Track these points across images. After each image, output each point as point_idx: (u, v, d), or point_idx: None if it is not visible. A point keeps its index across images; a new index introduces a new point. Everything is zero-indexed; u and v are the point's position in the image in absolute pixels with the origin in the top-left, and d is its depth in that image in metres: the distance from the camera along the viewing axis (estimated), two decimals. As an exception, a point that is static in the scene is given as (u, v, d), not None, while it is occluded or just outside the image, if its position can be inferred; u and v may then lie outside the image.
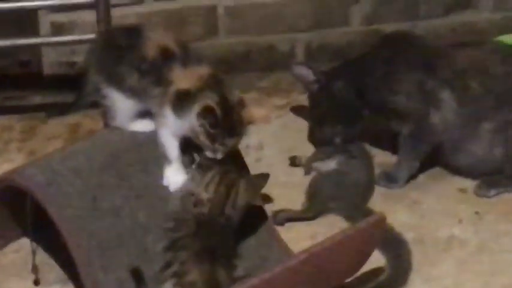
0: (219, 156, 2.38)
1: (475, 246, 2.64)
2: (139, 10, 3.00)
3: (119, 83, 2.51)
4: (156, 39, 2.50)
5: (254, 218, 2.48)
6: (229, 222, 2.39)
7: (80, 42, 2.89)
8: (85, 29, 2.94)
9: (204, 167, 2.39)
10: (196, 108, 2.34)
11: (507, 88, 2.72)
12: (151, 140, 2.50)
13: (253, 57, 3.08)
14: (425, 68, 2.75)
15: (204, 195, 2.36)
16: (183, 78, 2.41)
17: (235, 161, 2.47)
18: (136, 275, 2.34)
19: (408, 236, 2.62)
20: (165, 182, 2.47)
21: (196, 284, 2.26)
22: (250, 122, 2.41)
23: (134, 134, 2.55)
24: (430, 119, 2.72)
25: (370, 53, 2.87)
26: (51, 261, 2.55)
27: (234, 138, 2.39)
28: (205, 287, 2.27)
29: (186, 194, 2.40)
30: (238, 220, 2.40)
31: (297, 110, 3.00)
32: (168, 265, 2.30)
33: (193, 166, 2.41)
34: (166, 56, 2.46)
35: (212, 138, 2.36)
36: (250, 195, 2.42)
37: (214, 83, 2.41)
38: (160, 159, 2.48)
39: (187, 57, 2.47)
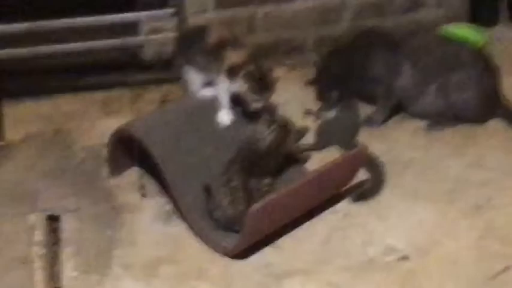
0: (259, 105, 2.45)
1: (426, 165, 2.65)
2: (205, 17, 2.95)
3: (192, 62, 2.55)
4: (216, 33, 2.54)
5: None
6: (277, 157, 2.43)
7: (167, 39, 2.84)
8: (171, 30, 2.90)
9: (269, 121, 2.42)
10: (243, 72, 2.41)
11: (444, 61, 2.72)
12: (212, 102, 2.54)
13: (280, 46, 3.05)
14: (390, 49, 2.76)
15: (268, 138, 2.38)
16: (233, 57, 2.46)
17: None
18: (207, 189, 2.39)
19: (383, 158, 2.62)
20: (219, 119, 2.53)
21: (237, 187, 2.32)
22: (276, 81, 2.47)
23: (202, 99, 2.58)
24: (395, 83, 2.73)
25: (353, 42, 2.87)
26: (152, 182, 2.58)
27: (267, 92, 2.45)
28: (242, 190, 2.32)
29: (253, 135, 2.41)
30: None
31: (309, 80, 2.96)
32: (224, 173, 2.36)
33: (261, 122, 2.42)
34: (222, 43, 2.50)
35: (253, 91, 2.42)
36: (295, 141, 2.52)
37: (252, 59, 2.47)
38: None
39: (236, 44, 2.51)
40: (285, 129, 2.44)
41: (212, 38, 2.52)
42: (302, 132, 2.59)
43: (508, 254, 2.28)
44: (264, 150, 2.40)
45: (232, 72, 2.45)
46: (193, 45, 2.56)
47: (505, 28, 3.14)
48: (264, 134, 2.40)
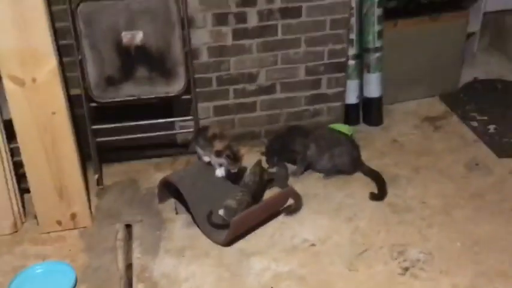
0: (234, 170, 2.41)
1: (323, 196, 2.60)
2: (209, 120, 2.90)
3: (200, 146, 2.51)
4: (211, 131, 2.50)
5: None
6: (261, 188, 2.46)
7: (189, 132, 2.80)
8: (191, 127, 2.81)
9: (254, 166, 2.48)
10: (224, 155, 2.40)
11: (331, 142, 2.71)
12: (211, 166, 2.51)
13: (247, 135, 3.01)
14: (305, 136, 2.74)
15: (256, 170, 2.46)
16: (219, 146, 2.44)
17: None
18: (209, 215, 2.36)
19: (301, 193, 2.57)
20: (216, 174, 2.47)
21: (243, 200, 2.33)
22: (241, 157, 2.44)
23: (206, 164, 2.53)
24: (307, 153, 2.72)
25: (285, 132, 2.82)
26: (181, 206, 2.52)
27: (237, 164, 2.43)
28: (245, 202, 2.32)
29: (249, 177, 2.44)
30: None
31: (262, 152, 2.86)
32: (240, 191, 2.38)
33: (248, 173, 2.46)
34: (214, 137, 2.46)
35: (230, 164, 2.40)
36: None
37: (229, 147, 2.43)
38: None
39: (221, 137, 2.47)
40: (261, 168, 2.50)
41: (209, 133, 2.49)
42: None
43: (366, 243, 2.28)
44: (255, 179, 2.42)
45: (219, 153, 2.43)
46: (201, 136, 2.53)
47: (362, 126, 3.15)
48: (253, 169, 2.46)
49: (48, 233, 2.31)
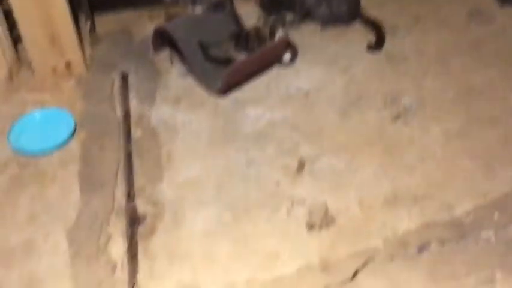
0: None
1: (319, 47, 2.59)
2: None
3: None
4: None
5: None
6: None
7: None
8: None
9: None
10: None
11: None
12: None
13: None
14: None
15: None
16: None
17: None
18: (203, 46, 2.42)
19: (297, 43, 2.55)
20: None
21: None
22: None
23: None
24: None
25: None
26: (176, 55, 2.52)
27: None
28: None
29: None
30: None
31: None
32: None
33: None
34: None
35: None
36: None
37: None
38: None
39: None
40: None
41: None
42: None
43: (360, 92, 2.33)
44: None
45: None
46: None
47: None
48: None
49: (44, 81, 2.42)
